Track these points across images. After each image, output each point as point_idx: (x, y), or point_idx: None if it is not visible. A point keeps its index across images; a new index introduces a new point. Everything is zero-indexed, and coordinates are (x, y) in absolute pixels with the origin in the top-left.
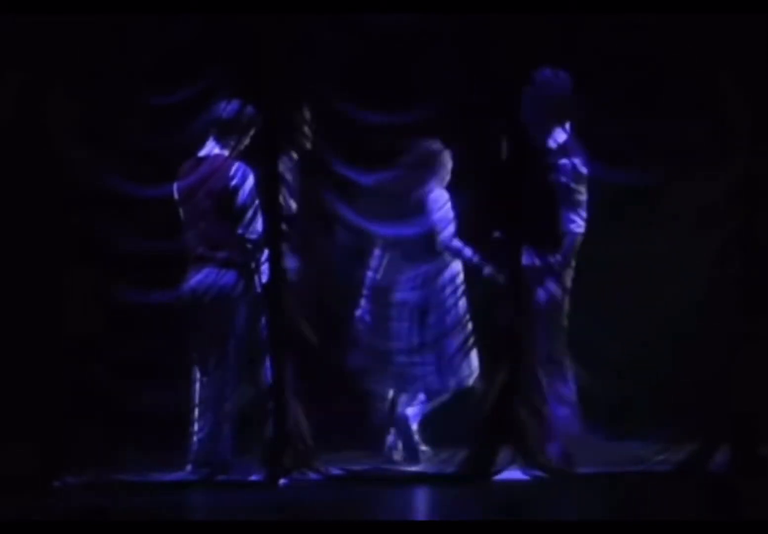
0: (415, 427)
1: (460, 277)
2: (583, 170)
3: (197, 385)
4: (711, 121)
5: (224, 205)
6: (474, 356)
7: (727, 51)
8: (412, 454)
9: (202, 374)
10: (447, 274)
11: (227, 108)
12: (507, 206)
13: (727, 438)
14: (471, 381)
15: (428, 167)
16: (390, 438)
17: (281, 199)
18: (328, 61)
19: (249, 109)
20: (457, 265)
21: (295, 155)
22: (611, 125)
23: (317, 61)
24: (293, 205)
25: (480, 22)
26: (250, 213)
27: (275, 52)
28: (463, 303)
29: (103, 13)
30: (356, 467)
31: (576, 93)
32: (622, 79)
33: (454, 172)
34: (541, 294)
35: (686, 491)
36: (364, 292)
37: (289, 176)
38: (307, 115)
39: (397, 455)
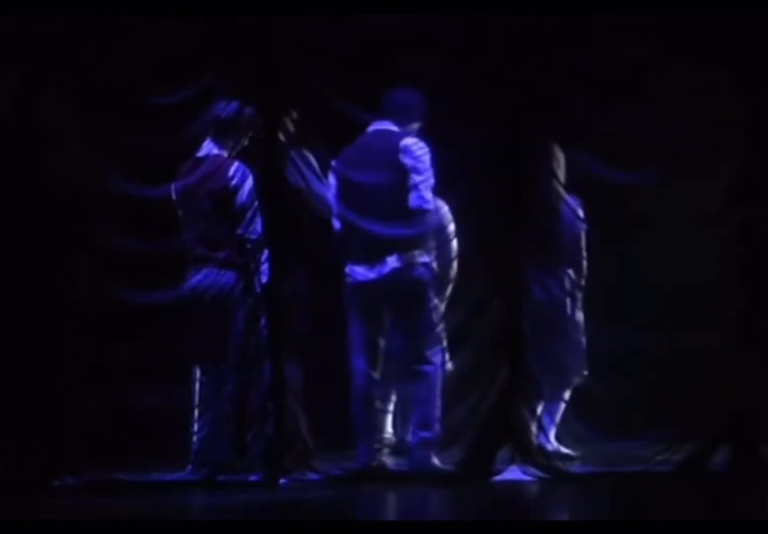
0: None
1: None
2: None
3: (197, 385)
4: (711, 120)
5: (224, 205)
6: None
7: (726, 50)
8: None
9: (202, 374)
10: None
11: (226, 108)
12: (507, 206)
13: (727, 438)
14: None
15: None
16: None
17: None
18: (327, 61)
19: (248, 110)
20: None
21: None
22: (611, 125)
23: (316, 62)
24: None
25: (478, 22)
26: (249, 213)
27: (274, 52)
28: None
29: (103, 14)
30: (356, 467)
31: (575, 93)
32: (621, 79)
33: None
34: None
35: (686, 491)
36: None
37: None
38: (294, 115)
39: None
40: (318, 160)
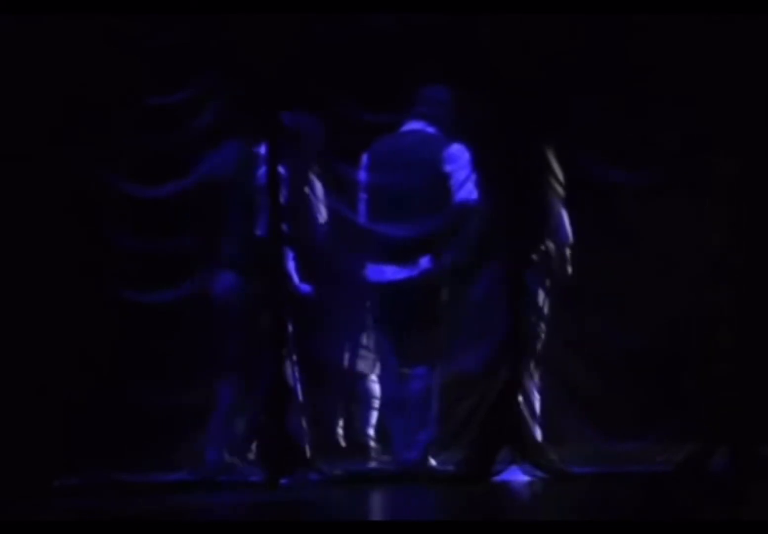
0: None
1: None
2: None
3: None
4: (711, 120)
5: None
6: None
7: (727, 50)
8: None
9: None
10: None
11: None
12: (507, 206)
13: (727, 438)
14: None
15: None
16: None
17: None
18: (327, 61)
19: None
20: None
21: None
22: (611, 125)
23: (316, 61)
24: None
25: (478, 22)
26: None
27: (274, 52)
28: None
29: (103, 14)
30: (356, 467)
31: (577, 93)
32: (621, 79)
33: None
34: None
35: (686, 491)
36: None
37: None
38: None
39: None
40: (319, 161)
